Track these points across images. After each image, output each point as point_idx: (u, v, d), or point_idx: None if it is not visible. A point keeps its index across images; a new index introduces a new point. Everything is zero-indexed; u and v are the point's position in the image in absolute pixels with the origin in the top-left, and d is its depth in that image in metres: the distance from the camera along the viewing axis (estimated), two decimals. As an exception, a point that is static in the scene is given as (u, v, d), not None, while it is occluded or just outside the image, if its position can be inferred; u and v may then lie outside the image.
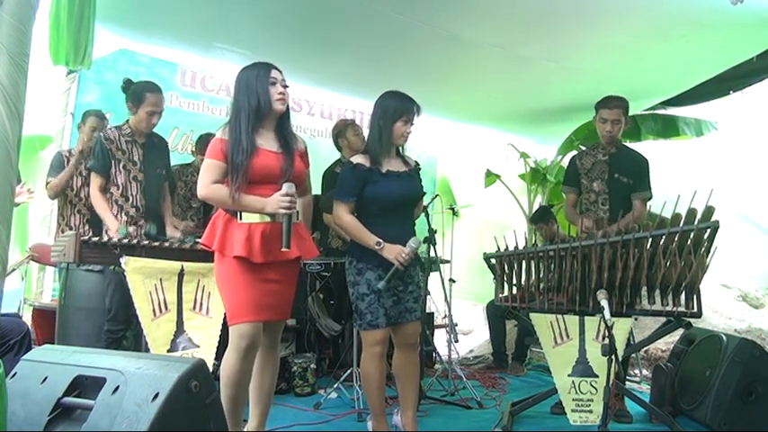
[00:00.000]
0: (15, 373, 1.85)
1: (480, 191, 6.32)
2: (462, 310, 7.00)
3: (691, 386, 3.10)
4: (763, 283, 6.58)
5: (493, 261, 3.13)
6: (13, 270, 3.90)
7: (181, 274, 2.84)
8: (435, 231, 3.29)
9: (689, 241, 2.74)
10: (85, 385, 1.75)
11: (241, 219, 2.28)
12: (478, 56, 4.34)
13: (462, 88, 5.00)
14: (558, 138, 6.08)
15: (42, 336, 3.74)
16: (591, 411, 2.70)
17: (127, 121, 3.27)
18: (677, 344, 3.45)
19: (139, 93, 3.17)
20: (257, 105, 2.28)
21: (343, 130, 4.08)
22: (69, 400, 1.73)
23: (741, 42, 4.03)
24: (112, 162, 3.16)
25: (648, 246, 2.84)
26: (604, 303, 2.44)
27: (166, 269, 2.81)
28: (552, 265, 2.99)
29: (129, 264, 2.71)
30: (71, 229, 3.70)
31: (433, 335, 4.56)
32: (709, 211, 2.71)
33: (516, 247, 3.05)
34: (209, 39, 4.45)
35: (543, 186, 6.28)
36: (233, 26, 4.15)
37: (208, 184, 2.28)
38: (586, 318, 2.87)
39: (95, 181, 3.17)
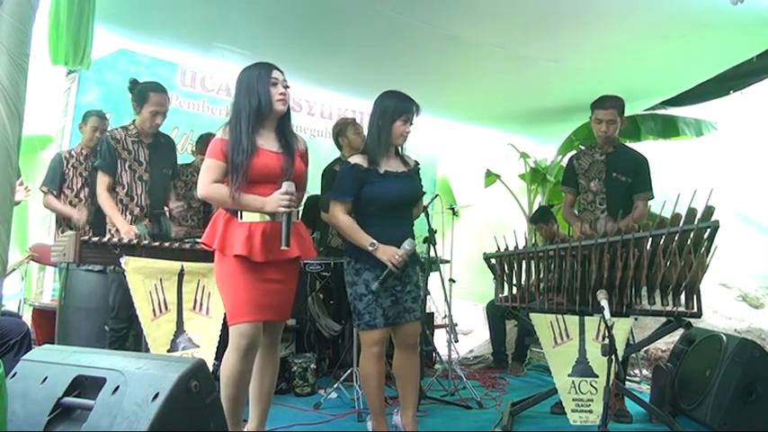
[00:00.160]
0: (15, 373, 1.85)
1: (480, 191, 6.32)
2: (462, 310, 7.00)
3: (691, 386, 3.10)
4: (762, 282, 6.58)
5: (493, 261, 3.13)
6: (13, 270, 3.90)
7: (181, 274, 2.84)
8: (435, 231, 3.30)
9: (689, 241, 2.74)
10: (85, 385, 1.74)
11: (241, 218, 2.28)
12: (478, 56, 4.34)
13: (462, 88, 5.00)
14: (558, 138, 6.08)
15: (42, 336, 3.74)
16: (591, 411, 2.70)
17: (133, 121, 3.29)
18: (677, 344, 3.45)
19: (144, 92, 3.18)
20: (258, 106, 2.28)
21: (343, 129, 4.08)
22: (69, 400, 1.73)
23: (741, 42, 4.03)
24: (118, 161, 3.18)
25: (648, 246, 2.84)
26: (604, 303, 2.43)
27: (166, 269, 2.81)
28: (552, 265, 2.99)
29: (129, 264, 2.71)
30: (71, 229, 3.71)
31: (433, 335, 4.56)
32: (708, 210, 2.71)
33: (516, 247, 3.05)
34: (209, 39, 4.46)
35: (543, 186, 6.28)
36: (233, 26, 4.15)
37: (208, 184, 2.28)
38: (586, 318, 2.87)
39: (103, 180, 3.18)
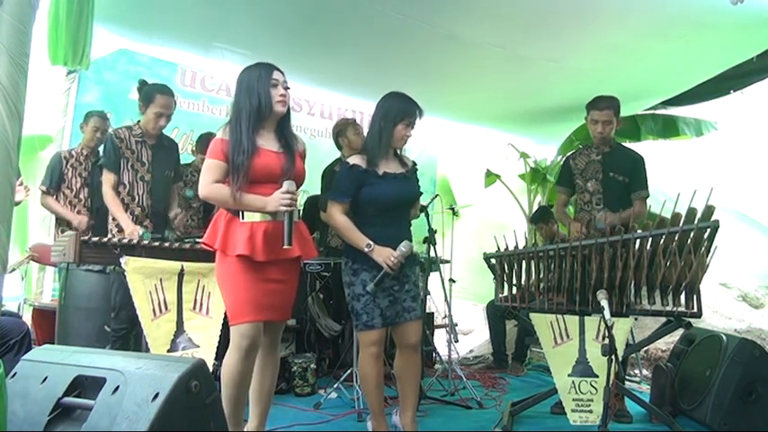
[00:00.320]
0: (15, 373, 1.85)
1: (480, 191, 6.32)
2: (462, 310, 7.00)
3: (691, 386, 3.10)
4: (762, 281, 6.58)
5: (493, 261, 3.13)
6: (14, 270, 3.90)
7: (181, 274, 2.84)
8: (435, 231, 3.30)
9: (689, 241, 2.74)
10: (85, 385, 1.75)
11: (243, 218, 2.28)
12: (478, 56, 4.34)
13: (462, 88, 5.01)
14: (558, 138, 6.08)
15: (42, 336, 3.75)
16: (591, 411, 2.70)
17: (138, 122, 3.32)
18: (677, 344, 3.45)
19: (150, 93, 3.21)
20: (258, 106, 2.29)
21: (343, 129, 4.08)
22: (69, 400, 1.73)
23: (741, 42, 4.03)
24: (121, 161, 3.20)
25: (648, 245, 2.84)
26: (604, 303, 2.44)
27: (166, 269, 2.81)
28: (552, 265, 2.99)
29: (129, 264, 2.71)
30: (71, 229, 3.71)
31: (433, 335, 4.57)
32: (708, 210, 2.71)
33: (516, 247, 3.05)
34: (209, 39, 4.46)
35: (543, 186, 6.28)
36: (233, 26, 4.15)
37: (209, 184, 2.29)
38: (586, 318, 2.87)
39: (108, 178, 3.19)
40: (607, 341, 2.26)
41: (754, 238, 6.42)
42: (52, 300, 4.19)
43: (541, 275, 3.04)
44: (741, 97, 5.13)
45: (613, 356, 2.26)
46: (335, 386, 3.53)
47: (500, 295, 3.15)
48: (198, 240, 2.95)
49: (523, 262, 3.06)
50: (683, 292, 2.87)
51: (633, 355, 4.13)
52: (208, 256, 2.52)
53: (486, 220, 6.17)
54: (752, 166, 7.33)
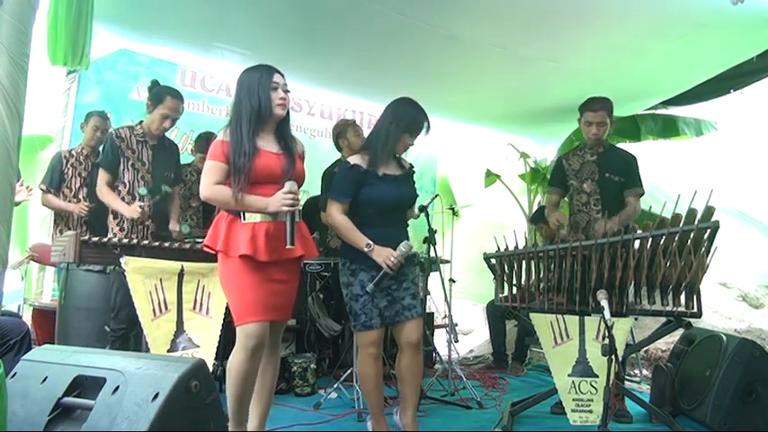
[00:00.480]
0: (15, 373, 1.85)
1: (480, 191, 6.32)
2: (462, 310, 7.00)
3: (691, 386, 3.10)
4: (762, 281, 6.58)
5: (493, 261, 3.13)
6: (16, 267, 3.91)
7: (181, 274, 2.84)
8: (435, 231, 3.30)
9: (689, 241, 2.74)
10: (85, 385, 1.75)
11: (244, 219, 2.29)
12: (478, 56, 4.34)
13: (462, 88, 5.00)
14: (558, 138, 6.08)
15: (42, 336, 3.75)
16: (591, 411, 2.70)
17: (141, 122, 3.33)
18: (677, 344, 3.45)
19: (161, 94, 3.24)
20: (258, 109, 2.30)
21: (343, 130, 4.08)
22: (69, 400, 1.73)
23: (741, 42, 4.03)
24: (121, 160, 3.22)
25: (648, 246, 2.84)
26: (604, 303, 2.43)
27: (166, 269, 2.81)
28: (552, 265, 2.99)
29: (129, 264, 2.72)
30: (69, 229, 3.71)
31: (433, 335, 4.57)
32: (709, 211, 2.71)
33: (516, 247, 3.05)
34: (209, 39, 4.46)
35: (543, 186, 6.27)
36: (233, 26, 4.15)
37: (210, 185, 2.29)
38: (586, 318, 2.87)
39: (102, 176, 3.23)
40: (607, 341, 2.26)
41: (754, 238, 6.41)
42: (52, 300, 4.19)
43: (541, 275, 3.04)
44: (741, 97, 5.13)
45: (613, 356, 2.26)
46: (335, 386, 3.53)
47: (500, 295, 3.15)
48: (198, 240, 2.95)
49: (523, 262, 3.06)
50: (683, 293, 2.87)
51: (633, 355, 4.13)
52: (208, 256, 2.51)
53: (486, 220, 6.17)
54: (752, 166, 7.32)
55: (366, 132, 4.21)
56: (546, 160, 6.40)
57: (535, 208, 5.93)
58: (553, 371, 2.83)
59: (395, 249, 2.53)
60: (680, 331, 3.15)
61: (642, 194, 3.41)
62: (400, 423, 2.67)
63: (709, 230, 2.71)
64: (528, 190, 6.33)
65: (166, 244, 2.93)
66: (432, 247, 3.35)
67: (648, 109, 5.58)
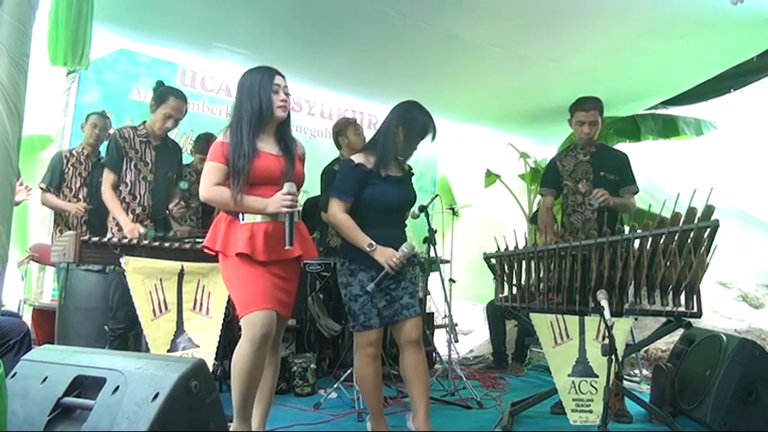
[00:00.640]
0: (15, 373, 1.85)
1: (480, 191, 6.32)
2: (462, 310, 7.01)
3: (691, 386, 3.10)
4: (762, 280, 6.58)
5: (493, 261, 3.13)
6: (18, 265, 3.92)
7: (181, 274, 2.84)
8: (435, 231, 3.30)
9: (689, 241, 2.74)
10: (85, 385, 1.75)
11: (243, 219, 2.30)
12: (478, 56, 4.34)
13: (462, 88, 5.00)
14: (558, 138, 6.08)
15: (42, 336, 3.75)
16: (591, 411, 2.70)
17: (144, 122, 3.34)
18: (677, 344, 3.45)
19: (164, 94, 3.25)
20: (259, 111, 2.31)
21: (344, 129, 4.08)
22: (69, 400, 1.73)
23: (741, 42, 4.03)
24: (124, 160, 3.22)
25: (648, 245, 2.84)
26: (604, 303, 2.44)
27: (166, 269, 2.81)
28: (552, 265, 2.99)
29: (129, 264, 2.71)
30: (69, 229, 3.71)
31: (433, 335, 4.57)
32: (708, 210, 2.71)
33: (516, 247, 3.05)
34: (209, 39, 4.46)
35: (543, 186, 6.27)
36: (233, 26, 4.15)
37: (210, 186, 2.30)
38: (586, 318, 2.87)
39: (108, 177, 3.22)
40: (607, 341, 2.26)
41: (754, 237, 6.42)
42: (52, 300, 4.19)
43: (541, 275, 3.04)
44: (741, 97, 5.14)
45: (613, 356, 2.26)
46: (335, 386, 3.53)
47: (500, 295, 3.15)
48: (198, 240, 2.95)
49: (523, 262, 3.06)
50: (683, 292, 2.87)
51: (633, 355, 4.13)
52: (208, 256, 2.52)
53: (486, 220, 6.17)
54: (752, 166, 7.32)
55: (366, 132, 4.22)
56: (546, 160, 6.38)
57: (535, 208, 5.92)
58: (553, 371, 2.83)
59: (395, 250, 2.53)
60: (680, 331, 3.15)
61: (637, 192, 3.42)
62: (413, 426, 2.60)
63: (708, 229, 2.71)
64: (528, 190, 6.33)
65: (166, 244, 2.93)
66: (432, 247, 3.35)
67: (648, 109, 5.58)
